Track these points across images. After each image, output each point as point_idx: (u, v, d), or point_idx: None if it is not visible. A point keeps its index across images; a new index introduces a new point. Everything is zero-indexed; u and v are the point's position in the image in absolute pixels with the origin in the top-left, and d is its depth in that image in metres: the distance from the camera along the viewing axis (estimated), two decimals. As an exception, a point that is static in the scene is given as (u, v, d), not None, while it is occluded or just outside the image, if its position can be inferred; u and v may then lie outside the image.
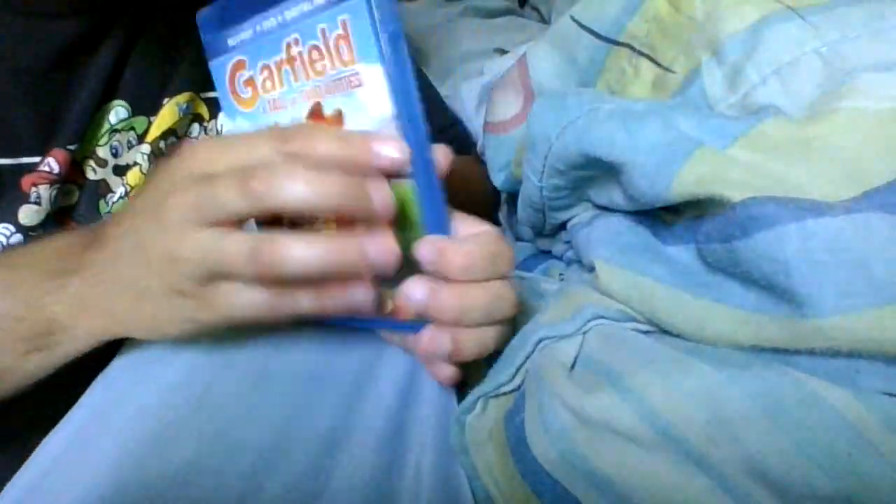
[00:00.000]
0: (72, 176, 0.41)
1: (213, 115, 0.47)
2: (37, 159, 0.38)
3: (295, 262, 0.27)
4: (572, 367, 0.30)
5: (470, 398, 0.32)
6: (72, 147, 0.39)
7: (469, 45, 0.77)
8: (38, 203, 0.39)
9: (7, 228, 0.38)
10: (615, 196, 0.32)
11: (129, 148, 0.43)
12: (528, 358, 0.31)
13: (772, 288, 0.24)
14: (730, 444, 0.23)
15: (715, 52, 0.31)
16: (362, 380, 0.34)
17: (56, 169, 0.39)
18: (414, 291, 0.29)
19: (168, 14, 0.43)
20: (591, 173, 0.32)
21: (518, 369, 0.31)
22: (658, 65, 0.34)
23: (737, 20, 0.30)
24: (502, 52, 0.74)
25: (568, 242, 0.38)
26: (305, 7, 0.29)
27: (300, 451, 0.30)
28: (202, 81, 0.44)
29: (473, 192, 0.53)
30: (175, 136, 0.45)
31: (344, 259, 0.27)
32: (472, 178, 0.53)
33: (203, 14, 0.32)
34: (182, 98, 0.44)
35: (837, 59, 0.27)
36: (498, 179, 0.42)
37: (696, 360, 0.25)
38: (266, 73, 0.31)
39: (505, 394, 0.32)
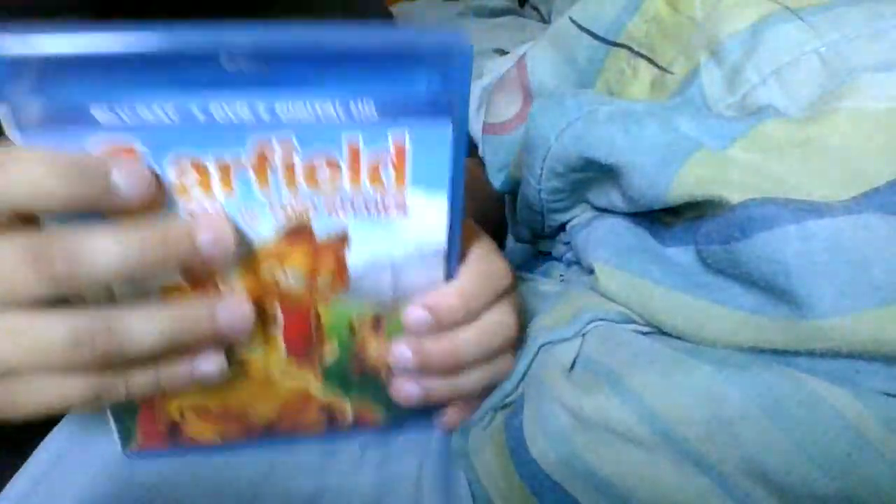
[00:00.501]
0: None
1: None
2: None
3: (140, 342, 0.21)
4: (571, 368, 0.29)
5: (479, 412, 0.32)
6: None
7: (468, 45, 0.77)
8: None
9: None
10: (614, 198, 0.32)
11: None
12: (530, 365, 0.31)
13: (771, 289, 0.24)
14: (729, 444, 0.23)
15: (714, 52, 0.31)
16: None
17: None
18: (401, 351, 0.26)
19: (164, 11, 0.43)
20: (590, 175, 0.32)
21: (522, 377, 0.31)
22: (656, 66, 0.34)
23: (736, 20, 0.30)
24: (502, 52, 0.74)
25: (567, 244, 0.38)
26: (325, 109, 0.21)
27: (301, 452, 0.30)
28: None
29: (479, 194, 0.53)
30: None
31: (196, 328, 0.23)
32: (478, 179, 0.53)
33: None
34: None
35: (837, 59, 0.27)
36: (497, 180, 0.42)
37: (696, 361, 0.25)
38: (189, 167, 0.22)
39: (511, 404, 0.32)
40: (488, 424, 0.32)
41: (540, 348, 0.31)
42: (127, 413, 0.28)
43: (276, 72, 0.20)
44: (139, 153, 0.21)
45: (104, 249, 0.20)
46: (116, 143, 0.20)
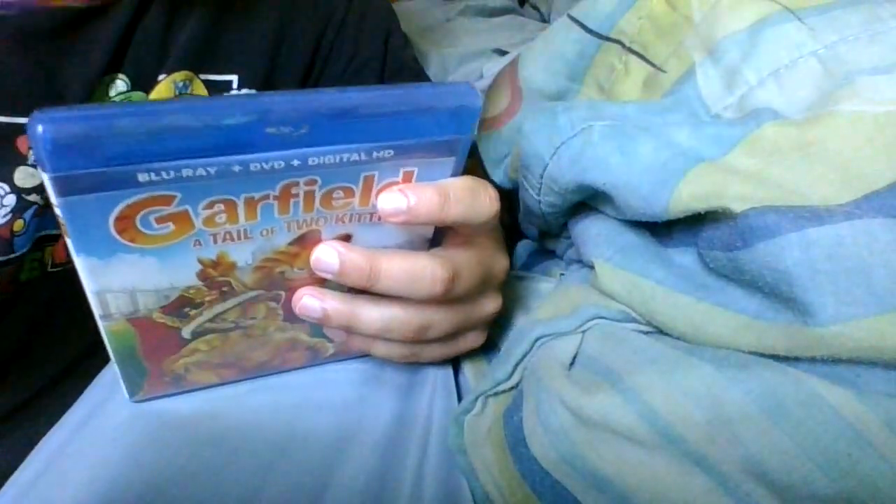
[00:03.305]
0: None
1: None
2: None
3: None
4: (571, 365, 0.29)
5: (469, 398, 0.32)
6: None
7: (468, 45, 0.77)
8: (34, 167, 0.38)
9: (2, 188, 0.37)
10: (610, 212, 0.32)
11: None
12: (525, 355, 0.31)
13: (774, 296, 0.24)
14: (730, 444, 0.23)
15: (711, 52, 0.31)
16: (363, 382, 0.34)
17: None
18: (328, 251, 0.27)
19: None
20: (588, 196, 0.32)
21: (516, 366, 0.31)
22: (649, 63, 0.34)
23: (735, 21, 0.30)
24: (501, 52, 0.74)
25: (569, 238, 0.37)
26: (350, 157, 0.24)
27: (301, 452, 0.30)
28: (200, 61, 0.44)
29: None
30: None
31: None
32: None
33: (63, 131, 0.19)
34: (179, 76, 0.44)
35: (835, 61, 0.27)
36: (496, 176, 0.42)
37: (697, 360, 0.25)
38: (221, 207, 0.24)
39: (503, 392, 0.32)
40: (481, 412, 0.32)
41: (536, 341, 0.31)
42: (137, 375, 0.30)
43: (312, 132, 0.22)
44: (176, 200, 0.22)
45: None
46: (154, 195, 0.22)
